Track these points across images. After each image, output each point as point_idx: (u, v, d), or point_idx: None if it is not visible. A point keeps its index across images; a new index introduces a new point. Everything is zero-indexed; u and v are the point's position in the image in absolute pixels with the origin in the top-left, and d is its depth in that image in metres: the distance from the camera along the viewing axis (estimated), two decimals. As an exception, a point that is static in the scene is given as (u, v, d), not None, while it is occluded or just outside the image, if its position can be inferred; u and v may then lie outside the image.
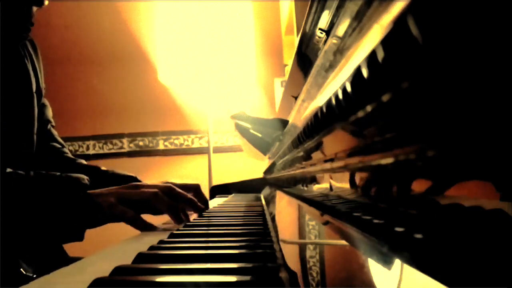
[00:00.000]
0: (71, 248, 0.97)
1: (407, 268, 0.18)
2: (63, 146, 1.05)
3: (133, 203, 0.69)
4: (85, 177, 0.69)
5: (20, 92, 0.88)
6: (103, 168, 0.99)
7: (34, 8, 0.83)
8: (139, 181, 0.94)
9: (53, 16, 2.28)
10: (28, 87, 0.90)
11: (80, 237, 0.67)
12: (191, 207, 0.76)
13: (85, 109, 2.33)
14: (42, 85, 0.98)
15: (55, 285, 0.35)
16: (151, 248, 0.45)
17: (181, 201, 0.73)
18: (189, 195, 0.76)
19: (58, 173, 0.67)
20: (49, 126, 1.02)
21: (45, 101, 1.02)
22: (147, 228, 0.68)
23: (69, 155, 1.04)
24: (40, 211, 0.62)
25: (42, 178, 0.66)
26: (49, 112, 1.03)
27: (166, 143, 2.34)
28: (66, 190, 0.65)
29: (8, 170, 0.65)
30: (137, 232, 0.67)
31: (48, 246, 0.67)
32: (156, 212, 0.75)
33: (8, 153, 0.76)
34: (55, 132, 1.04)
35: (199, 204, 0.76)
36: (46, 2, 0.83)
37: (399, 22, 0.16)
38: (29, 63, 0.92)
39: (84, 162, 1.03)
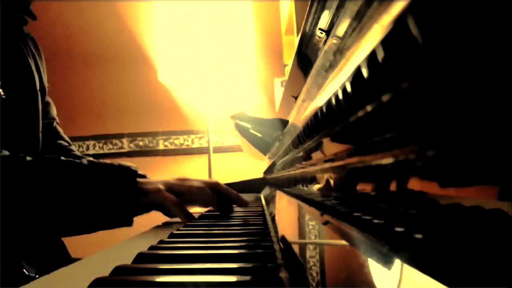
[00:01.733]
0: (73, 249, 0.97)
1: (407, 268, 0.18)
2: (69, 144, 1.05)
3: (179, 195, 0.71)
4: (134, 165, 0.71)
5: (24, 90, 0.87)
6: (108, 161, 0.99)
7: None
8: (144, 176, 0.95)
9: (53, 16, 2.28)
10: (32, 85, 0.89)
11: (128, 223, 0.69)
12: (236, 203, 0.80)
13: (85, 109, 2.33)
14: (46, 83, 0.97)
15: (55, 285, 0.35)
16: (151, 248, 0.45)
17: (226, 196, 0.77)
18: (234, 192, 0.79)
19: (109, 161, 0.70)
20: (54, 123, 1.02)
21: (49, 99, 1.01)
22: (190, 218, 0.70)
23: (77, 152, 1.04)
24: (91, 197, 0.65)
25: (94, 166, 0.68)
26: (53, 110, 1.02)
27: (166, 143, 2.34)
28: (117, 178, 0.67)
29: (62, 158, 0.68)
30: (138, 232, 0.67)
31: (99, 230, 0.69)
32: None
33: (13, 151, 0.75)
34: (60, 130, 1.04)
35: (244, 200, 0.81)
36: None
37: (399, 22, 0.16)
38: (32, 61, 0.91)
39: (91, 159, 1.02)
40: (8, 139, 0.78)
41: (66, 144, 1.04)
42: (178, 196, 0.71)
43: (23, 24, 0.87)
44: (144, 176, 0.91)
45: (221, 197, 0.76)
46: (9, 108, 0.81)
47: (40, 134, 0.91)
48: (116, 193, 0.66)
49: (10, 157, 0.65)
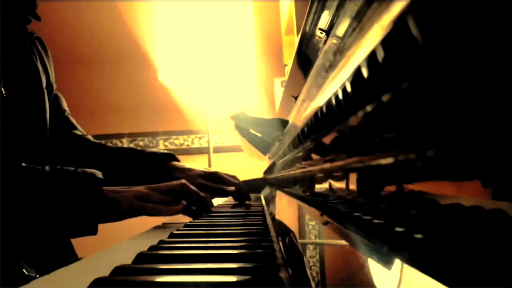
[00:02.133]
0: (79, 249, 0.96)
1: (407, 268, 0.18)
2: (85, 134, 1.04)
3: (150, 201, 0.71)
4: (99, 172, 0.69)
5: (29, 88, 0.86)
6: (138, 148, 0.99)
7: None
8: (177, 159, 0.98)
9: (53, 16, 2.28)
10: (37, 83, 0.88)
11: (93, 231, 0.67)
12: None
13: (85, 109, 2.33)
14: (53, 80, 0.96)
15: (55, 285, 0.35)
16: (151, 248, 0.45)
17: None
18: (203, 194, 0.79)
19: (73, 168, 0.67)
20: (66, 114, 1.01)
21: (57, 93, 1.01)
22: (168, 213, 0.71)
23: (94, 140, 1.03)
24: (52, 205, 0.63)
25: (57, 173, 0.65)
26: (64, 103, 1.01)
27: (166, 143, 2.34)
28: (79, 186, 0.65)
29: (23, 164, 0.65)
30: (138, 232, 0.67)
31: (60, 239, 0.68)
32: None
33: (20, 149, 0.74)
34: (73, 120, 1.03)
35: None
36: None
37: (399, 22, 0.16)
38: (38, 60, 0.91)
39: (111, 145, 1.01)
40: (9, 137, 0.77)
41: (81, 133, 1.02)
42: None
43: (25, 23, 0.87)
44: (176, 159, 0.98)
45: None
46: (12, 106, 0.79)
47: (48, 131, 0.89)
48: (76, 202, 0.64)
49: None
